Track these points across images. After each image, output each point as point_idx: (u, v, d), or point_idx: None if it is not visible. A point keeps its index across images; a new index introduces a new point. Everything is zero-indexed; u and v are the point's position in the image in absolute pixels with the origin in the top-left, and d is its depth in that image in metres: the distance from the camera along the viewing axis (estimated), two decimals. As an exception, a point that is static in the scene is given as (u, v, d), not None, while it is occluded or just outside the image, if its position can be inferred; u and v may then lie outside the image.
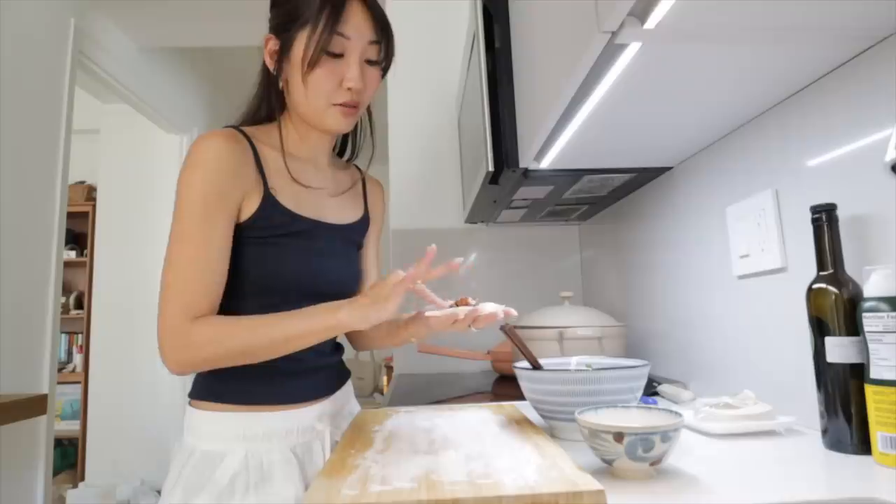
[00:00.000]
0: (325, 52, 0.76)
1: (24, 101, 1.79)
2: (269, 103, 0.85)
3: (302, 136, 0.85)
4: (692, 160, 1.09)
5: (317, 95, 0.78)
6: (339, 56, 0.77)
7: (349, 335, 0.97)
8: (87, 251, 3.13)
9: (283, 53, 0.79)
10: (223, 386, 0.78)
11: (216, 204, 0.73)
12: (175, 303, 0.71)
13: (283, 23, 0.79)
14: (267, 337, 0.70)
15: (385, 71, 0.85)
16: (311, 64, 0.76)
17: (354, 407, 0.96)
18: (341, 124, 0.81)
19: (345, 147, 0.99)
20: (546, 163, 1.07)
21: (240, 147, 0.76)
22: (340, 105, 0.79)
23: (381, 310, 0.69)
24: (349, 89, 0.78)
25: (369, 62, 0.81)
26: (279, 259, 0.77)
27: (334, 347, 0.91)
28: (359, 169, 1.01)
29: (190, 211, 0.72)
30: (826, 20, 0.60)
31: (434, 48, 1.91)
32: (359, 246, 0.95)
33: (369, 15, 0.79)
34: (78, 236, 3.32)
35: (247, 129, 0.81)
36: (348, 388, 0.94)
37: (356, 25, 0.77)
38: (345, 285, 0.88)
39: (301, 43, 0.76)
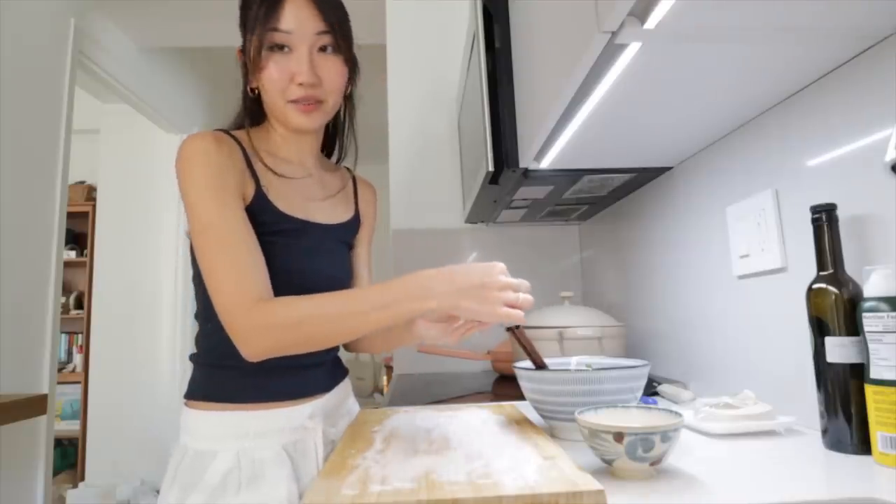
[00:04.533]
0: (266, 50, 0.76)
1: (24, 101, 1.79)
2: (249, 110, 0.86)
3: (284, 138, 0.86)
4: (692, 160, 1.09)
5: (272, 94, 0.78)
6: (286, 51, 0.77)
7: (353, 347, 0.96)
8: (87, 251, 3.13)
9: (246, 60, 0.80)
10: (215, 385, 0.78)
11: (223, 188, 0.72)
12: (226, 292, 0.68)
13: (241, 30, 0.80)
14: (350, 308, 0.68)
15: (352, 60, 0.83)
16: (256, 64, 0.76)
17: (353, 405, 0.95)
18: (303, 122, 0.80)
19: (331, 147, 0.99)
20: (546, 163, 1.07)
21: (227, 145, 0.77)
22: (295, 102, 0.78)
23: (488, 314, 0.67)
24: (300, 84, 0.77)
25: (323, 50, 0.79)
26: (268, 256, 0.77)
27: None
28: (349, 171, 1.01)
29: (202, 201, 0.71)
30: (826, 20, 0.60)
31: (434, 48, 1.91)
32: (350, 246, 0.95)
33: (312, 5, 0.77)
34: (78, 236, 3.32)
35: (234, 133, 0.82)
36: (345, 385, 0.93)
37: (296, 18, 0.76)
38: (336, 282, 0.87)
39: (249, 46, 0.77)
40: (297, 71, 0.76)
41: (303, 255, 0.82)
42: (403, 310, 0.67)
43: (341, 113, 0.93)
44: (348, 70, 0.83)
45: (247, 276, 0.69)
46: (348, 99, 0.91)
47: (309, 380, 0.83)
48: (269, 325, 0.67)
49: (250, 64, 0.78)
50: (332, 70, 0.79)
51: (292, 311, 0.68)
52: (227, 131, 0.81)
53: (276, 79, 0.77)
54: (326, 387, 0.86)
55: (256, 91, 0.82)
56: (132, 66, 2.58)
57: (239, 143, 0.80)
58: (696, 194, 1.08)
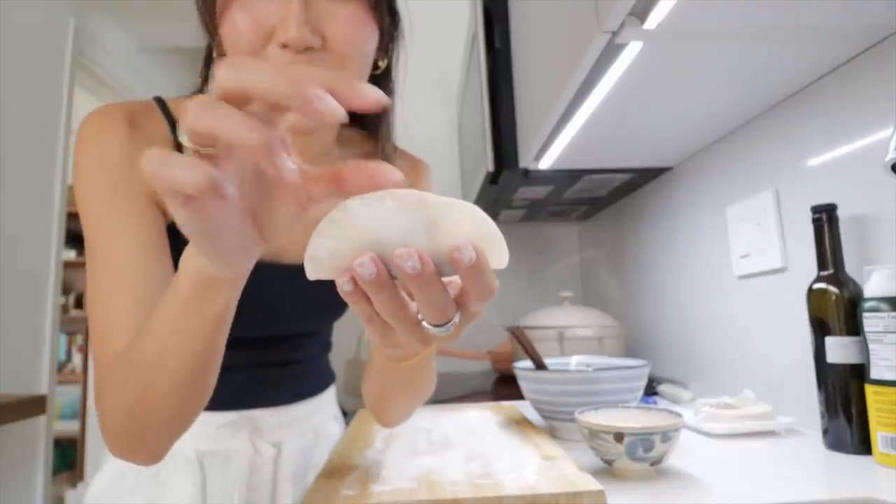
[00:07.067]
0: None
1: (24, 101, 1.78)
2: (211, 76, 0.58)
3: None
4: (692, 160, 1.09)
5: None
6: None
7: (376, 414, 0.64)
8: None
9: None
10: None
11: (124, 194, 0.50)
12: (93, 342, 0.47)
13: None
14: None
15: (386, 11, 0.53)
16: (213, 7, 0.49)
17: (323, 425, 0.75)
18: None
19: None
20: (546, 163, 1.07)
21: (146, 130, 0.54)
22: None
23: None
24: (284, 47, 0.45)
25: None
26: None
27: (268, 355, 0.67)
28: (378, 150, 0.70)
29: (91, 208, 0.50)
30: (826, 20, 0.60)
31: (434, 48, 1.91)
32: None
33: None
34: (78, 236, 3.32)
35: (177, 102, 0.58)
36: (309, 405, 0.72)
37: None
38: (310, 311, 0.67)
39: None
40: (278, 21, 0.45)
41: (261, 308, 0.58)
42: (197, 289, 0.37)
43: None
44: (378, 26, 0.51)
45: (119, 322, 0.46)
46: (383, 76, 0.60)
47: (233, 390, 0.63)
48: (112, 384, 0.44)
49: (206, 8, 0.51)
50: (347, 20, 0.47)
51: (128, 347, 0.43)
52: (162, 102, 0.58)
53: (244, 34, 0.46)
54: (264, 401, 0.67)
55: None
56: (132, 66, 2.58)
57: (170, 116, 0.56)
58: (696, 194, 1.08)
